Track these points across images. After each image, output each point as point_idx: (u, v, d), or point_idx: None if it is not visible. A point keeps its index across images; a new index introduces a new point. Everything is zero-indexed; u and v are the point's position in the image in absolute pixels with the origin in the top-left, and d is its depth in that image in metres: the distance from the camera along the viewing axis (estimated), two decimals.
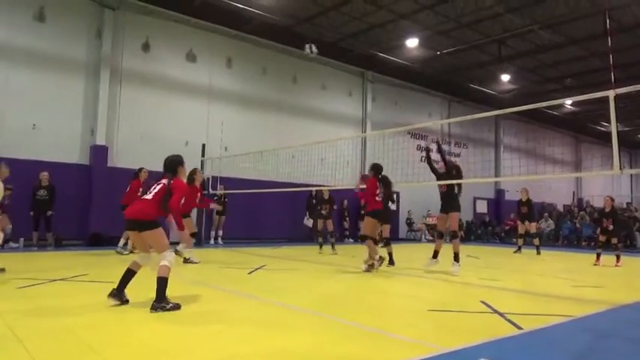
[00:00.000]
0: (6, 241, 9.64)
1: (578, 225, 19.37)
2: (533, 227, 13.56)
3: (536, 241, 13.28)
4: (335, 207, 12.64)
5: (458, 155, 21.70)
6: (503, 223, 21.33)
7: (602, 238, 10.62)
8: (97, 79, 12.55)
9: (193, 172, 8.83)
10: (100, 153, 12.42)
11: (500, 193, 23.33)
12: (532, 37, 15.35)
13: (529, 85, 20.09)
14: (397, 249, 13.44)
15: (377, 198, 7.93)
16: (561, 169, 26.80)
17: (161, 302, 4.41)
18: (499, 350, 3.42)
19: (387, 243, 9.08)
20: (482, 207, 22.56)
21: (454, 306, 5.06)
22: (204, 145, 13.91)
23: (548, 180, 22.92)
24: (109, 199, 12.41)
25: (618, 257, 10.32)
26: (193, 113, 14.26)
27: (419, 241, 18.56)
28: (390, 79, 19.15)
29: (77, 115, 12.37)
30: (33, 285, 5.57)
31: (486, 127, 23.18)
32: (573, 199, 26.78)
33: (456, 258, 8.03)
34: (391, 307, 5.08)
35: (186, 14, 13.93)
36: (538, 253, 12.88)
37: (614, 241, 10.54)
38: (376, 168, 8.16)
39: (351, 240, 16.96)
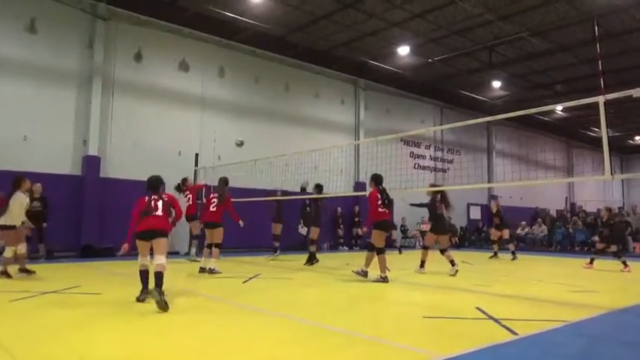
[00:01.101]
0: None
1: (571, 230, 19.45)
2: (506, 234, 14.14)
3: (511, 247, 13.91)
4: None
5: (451, 162, 21.81)
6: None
7: (600, 246, 11.02)
8: (89, 90, 12.51)
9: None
10: (92, 164, 12.35)
11: (493, 199, 23.42)
12: (522, 44, 15.52)
13: (520, 92, 20.27)
14: (392, 256, 13.45)
15: (379, 209, 7.74)
16: (553, 174, 26.97)
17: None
18: (495, 356, 3.42)
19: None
20: (475, 213, 22.63)
21: (449, 312, 5.06)
22: (197, 155, 13.88)
23: (541, 185, 23.04)
24: (101, 209, 12.35)
25: (625, 263, 10.31)
26: (186, 123, 14.23)
27: (413, 247, 18.55)
28: (382, 87, 19.25)
29: (69, 126, 12.30)
30: (25, 298, 5.50)
31: (478, 134, 23.33)
32: (566, 204, 26.92)
33: (452, 263, 9.14)
34: (386, 314, 5.07)
35: (179, 24, 13.95)
36: (513, 258, 13.26)
37: (613, 248, 10.63)
38: (376, 179, 8.05)
39: (345, 248, 16.93)
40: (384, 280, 7.56)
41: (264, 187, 13.02)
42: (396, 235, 18.63)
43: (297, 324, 4.42)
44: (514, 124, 23.98)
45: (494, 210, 14.23)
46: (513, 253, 13.54)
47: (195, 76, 14.56)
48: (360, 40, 15.42)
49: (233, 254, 12.37)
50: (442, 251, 9.44)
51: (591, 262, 10.72)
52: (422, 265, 9.38)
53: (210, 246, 8.61)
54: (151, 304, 5.12)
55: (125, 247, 5.67)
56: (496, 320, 4.60)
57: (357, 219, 17.40)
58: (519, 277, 9.13)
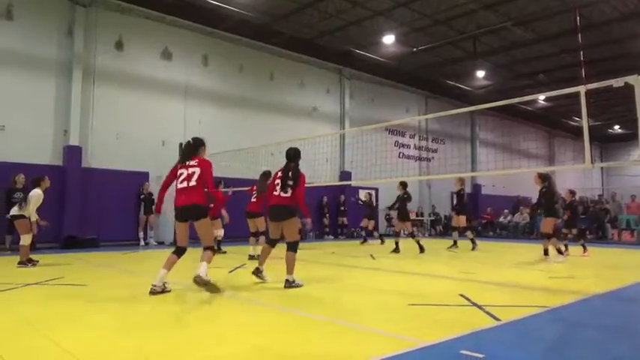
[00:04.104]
0: None
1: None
2: (462, 220, 12.31)
3: (470, 234, 12.41)
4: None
5: (435, 151, 21.97)
6: (480, 217, 21.69)
7: (565, 231, 11.07)
8: (69, 79, 12.26)
9: None
10: (73, 153, 12.16)
11: (477, 187, 23.72)
12: (505, 33, 15.64)
13: (503, 81, 20.46)
14: (374, 246, 13.57)
15: (273, 192, 6.24)
16: (535, 163, 27.39)
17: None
18: (478, 341, 3.49)
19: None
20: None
21: (434, 300, 5.14)
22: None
23: (523, 174, 23.30)
24: (83, 200, 12.19)
25: (584, 247, 10.64)
26: (170, 112, 14.07)
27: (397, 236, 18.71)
28: (367, 76, 19.25)
29: (49, 115, 12.08)
30: (7, 290, 5.43)
31: (462, 123, 23.52)
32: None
33: (421, 249, 10.80)
34: (371, 302, 5.13)
35: (161, 12, 13.72)
36: (473, 248, 12.01)
37: (574, 231, 10.89)
38: (287, 154, 6.40)
39: (331, 237, 17.02)
40: (289, 284, 5.86)
41: (250, 176, 12.97)
42: (381, 224, 18.74)
43: (280, 313, 4.44)
44: (497, 114, 24.24)
45: (457, 188, 12.50)
46: (472, 241, 12.16)
47: (178, 64, 14.37)
48: (344, 29, 15.37)
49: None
50: (411, 235, 11.47)
51: (566, 248, 10.91)
52: (396, 248, 11.09)
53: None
54: (143, 294, 5.12)
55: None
56: (479, 307, 4.69)
57: (342, 208, 17.50)
58: (501, 265, 9.31)
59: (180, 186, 5.44)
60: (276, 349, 3.29)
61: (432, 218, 21.06)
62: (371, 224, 14.66)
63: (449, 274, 7.42)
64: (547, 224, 9.44)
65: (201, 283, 5.11)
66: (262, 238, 8.99)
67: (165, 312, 4.48)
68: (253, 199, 9.29)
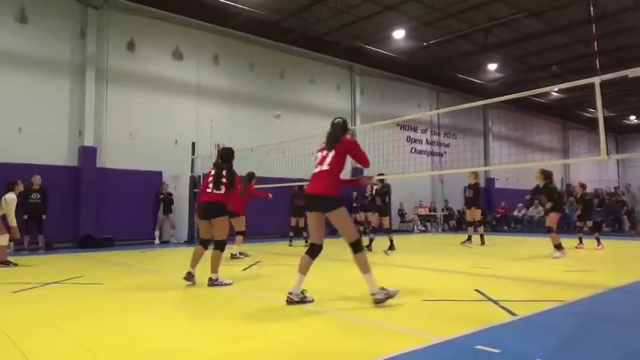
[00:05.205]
0: None
1: (567, 211, 19.58)
2: (477, 214, 12.19)
3: (481, 230, 12.17)
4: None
5: (447, 146, 21.83)
6: (493, 212, 21.52)
7: (579, 224, 11.00)
8: (82, 80, 12.42)
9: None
10: (88, 154, 12.32)
11: (490, 181, 23.51)
12: (517, 25, 15.44)
13: (515, 74, 20.23)
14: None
15: (206, 189, 6.31)
16: (550, 156, 27.06)
17: None
18: (494, 337, 3.48)
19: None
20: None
21: (448, 295, 5.13)
22: (193, 144, 13.84)
23: (537, 167, 23.00)
24: (98, 199, 12.36)
25: (598, 240, 10.51)
26: (182, 111, 14.18)
27: (411, 232, 18.68)
28: (377, 72, 19.16)
29: (64, 117, 12.24)
30: (28, 289, 5.54)
31: (475, 117, 23.32)
32: (562, 186, 27.04)
33: (391, 246, 10.34)
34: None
35: (171, 11, 13.80)
36: (482, 243, 11.88)
37: (589, 224, 10.77)
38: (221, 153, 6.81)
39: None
40: (185, 277, 5.75)
41: (262, 174, 13.02)
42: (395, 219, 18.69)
43: (296, 309, 4.47)
44: (510, 107, 23.98)
45: (472, 182, 12.19)
46: (482, 237, 11.98)
47: (189, 64, 14.47)
48: (354, 25, 15.31)
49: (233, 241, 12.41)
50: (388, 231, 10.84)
51: (580, 242, 10.81)
52: (370, 244, 10.28)
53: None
54: (155, 293, 5.19)
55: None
56: (495, 302, 4.67)
57: (354, 204, 17.47)
58: (516, 259, 9.23)
59: (209, 189, 5.98)
60: (289, 345, 3.31)
61: (445, 213, 20.94)
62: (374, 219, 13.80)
63: (463, 269, 7.39)
64: (551, 219, 9.28)
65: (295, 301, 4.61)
66: (240, 238, 9.29)
67: (182, 308, 4.54)
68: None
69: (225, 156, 6.36)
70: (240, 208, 9.16)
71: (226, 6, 13.63)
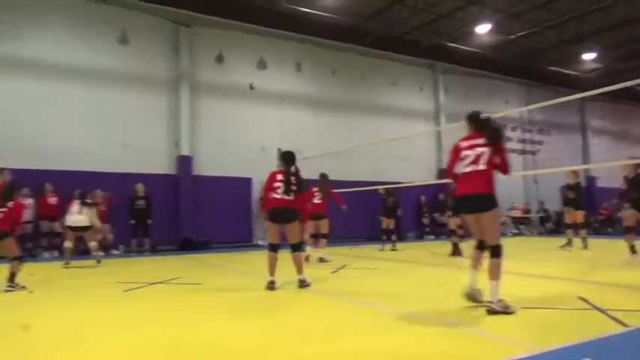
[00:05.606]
0: (106, 248, 10.59)
1: None
2: (579, 216, 11.21)
3: (583, 233, 11.11)
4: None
5: (541, 143, 20.56)
6: (596, 213, 19.83)
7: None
8: (177, 94, 13.36)
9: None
10: (185, 163, 13.20)
11: (591, 180, 21.71)
12: (613, 10, 14.15)
13: (614, 63, 18.57)
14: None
15: (272, 194, 6.22)
16: None
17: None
18: (603, 349, 3.22)
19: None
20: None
21: (550, 302, 4.82)
22: (279, 150, 14.26)
23: None
24: (195, 205, 13.18)
25: None
26: (267, 119, 14.71)
27: (504, 235, 17.78)
28: (462, 69, 18.56)
29: (162, 129, 13.24)
30: (137, 288, 6.05)
31: (570, 111, 21.68)
32: None
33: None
34: (479, 304, 4.93)
35: (255, 23, 14.40)
36: (584, 247, 10.82)
37: None
38: (284, 157, 6.42)
39: (431, 237, 16.61)
40: (268, 286, 5.71)
41: (346, 178, 13.16)
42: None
43: (384, 313, 4.44)
44: (611, 99, 22.00)
45: (572, 182, 11.17)
46: (584, 240, 10.92)
47: (273, 73, 14.99)
48: (435, 23, 14.98)
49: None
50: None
51: None
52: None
53: (316, 236, 9.21)
54: (251, 293, 5.44)
55: None
56: (602, 310, 4.31)
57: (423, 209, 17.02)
58: (625, 264, 8.44)
59: (275, 195, 5.93)
60: (384, 348, 3.30)
61: (541, 215, 19.69)
62: (389, 223, 12.22)
63: (564, 275, 6.90)
64: (628, 218, 8.12)
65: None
66: (324, 241, 9.19)
67: (267, 311, 4.70)
68: (317, 201, 9.10)
69: (289, 159, 6.22)
70: (325, 210, 9.19)
71: (306, 14, 13.97)
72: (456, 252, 9.79)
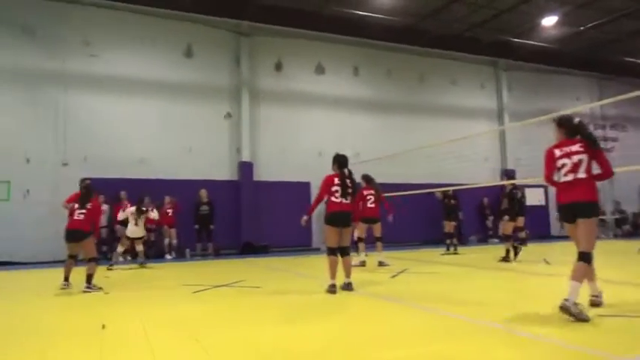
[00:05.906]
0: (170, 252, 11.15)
1: None
2: None
3: None
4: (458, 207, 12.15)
5: (615, 140, 19.24)
6: None
7: None
8: (239, 102, 13.77)
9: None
10: (246, 169, 13.56)
11: None
12: None
13: None
14: (550, 247, 12.34)
15: (333, 198, 6.16)
16: None
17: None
18: None
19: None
20: None
21: (630, 310, 4.48)
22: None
23: None
24: (256, 210, 13.50)
25: None
26: (324, 124, 14.81)
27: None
28: (526, 65, 17.77)
29: (224, 136, 13.69)
30: (203, 290, 6.28)
31: None
32: None
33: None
34: (552, 311, 4.67)
35: (313, 29, 14.56)
36: None
37: None
38: (337, 160, 6.54)
39: (495, 240, 15.97)
40: (330, 290, 5.70)
41: (404, 180, 12.96)
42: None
43: (450, 319, 4.31)
44: None
45: None
46: None
47: (330, 77, 15.09)
48: (496, 19, 14.45)
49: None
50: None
51: None
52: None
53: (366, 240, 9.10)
54: (312, 296, 5.47)
55: None
56: None
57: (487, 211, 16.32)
58: None
59: (334, 199, 5.99)
60: (453, 355, 3.20)
61: (617, 216, 18.40)
62: (450, 226, 11.95)
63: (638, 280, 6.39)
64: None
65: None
66: (380, 244, 9.04)
67: (333, 315, 4.69)
68: (371, 205, 8.85)
69: (342, 162, 6.27)
70: (379, 213, 9.02)
71: (362, 17, 13.94)
72: (507, 258, 9.30)
